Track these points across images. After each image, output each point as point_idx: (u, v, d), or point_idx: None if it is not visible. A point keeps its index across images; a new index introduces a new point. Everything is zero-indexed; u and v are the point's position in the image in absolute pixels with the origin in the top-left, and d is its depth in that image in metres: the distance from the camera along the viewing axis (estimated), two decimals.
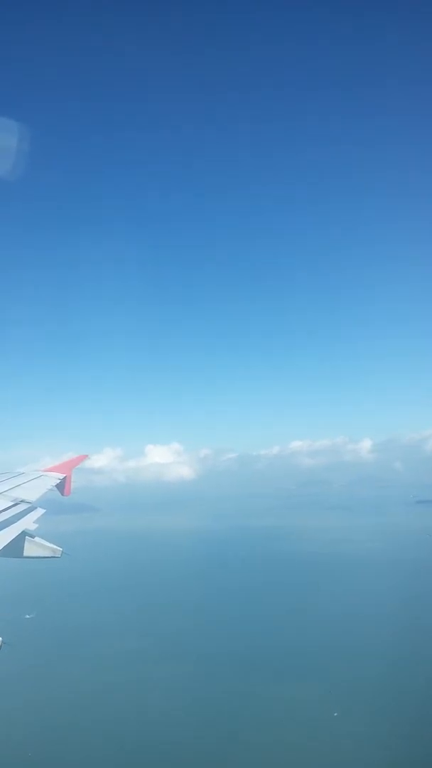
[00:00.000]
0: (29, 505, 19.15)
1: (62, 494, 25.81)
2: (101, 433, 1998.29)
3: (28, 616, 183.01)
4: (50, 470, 26.91)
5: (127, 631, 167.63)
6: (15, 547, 16.23)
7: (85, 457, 30.52)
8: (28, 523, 17.01)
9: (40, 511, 18.77)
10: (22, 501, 19.81)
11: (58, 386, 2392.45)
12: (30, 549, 16.82)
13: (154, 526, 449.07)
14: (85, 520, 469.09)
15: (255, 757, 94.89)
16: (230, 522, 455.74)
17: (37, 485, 23.92)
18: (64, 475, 26.45)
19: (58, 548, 16.99)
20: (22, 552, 16.74)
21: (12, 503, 19.06)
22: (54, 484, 25.15)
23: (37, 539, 17.00)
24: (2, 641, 12.61)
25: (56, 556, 16.93)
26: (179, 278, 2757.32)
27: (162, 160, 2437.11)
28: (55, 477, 25.86)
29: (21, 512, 17.96)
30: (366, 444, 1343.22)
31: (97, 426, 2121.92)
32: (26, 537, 16.68)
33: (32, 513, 18.27)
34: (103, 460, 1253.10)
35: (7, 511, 17.75)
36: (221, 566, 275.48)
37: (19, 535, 16.08)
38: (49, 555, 16.90)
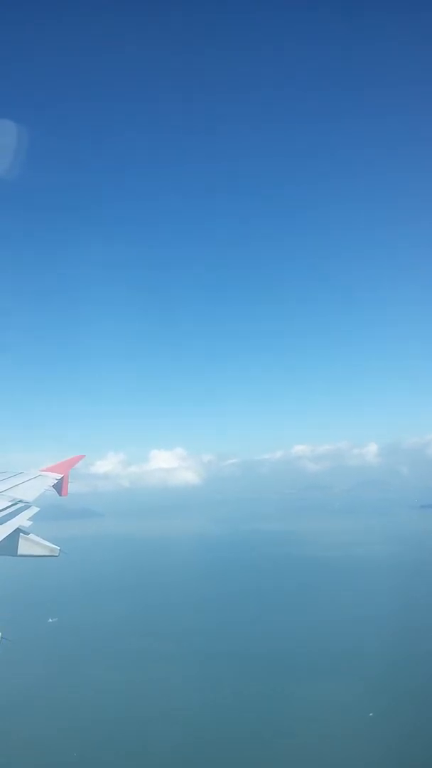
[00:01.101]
0: (24, 504, 19.09)
1: (60, 494, 25.74)
2: (104, 438, 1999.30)
3: (50, 620, 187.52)
4: (48, 470, 26.87)
5: (146, 633, 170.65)
6: (9, 545, 16.12)
7: (83, 457, 30.45)
8: (22, 520, 16.89)
9: (34, 509, 18.67)
10: (20, 501, 19.74)
11: (61, 392, 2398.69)
12: (26, 547, 16.42)
13: (159, 531, 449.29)
14: (89, 525, 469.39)
15: (300, 756, 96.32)
16: (236, 526, 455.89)
17: (35, 485, 23.84)
18: (62, 475, 26.38)
19: (56, 547, 16.48)
20: (17, 550, 16.50)
21: (10, 503, 18.96)
22: (51, 484, 25.08)
23: (32, 536, 16.69)
24: (2, 636, 12.64)
25: (54, 555, 16.34)
26: (182, 282, 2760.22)
27: (162, 161, 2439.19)
28: (53, 477, 25.79)
29: (15, 510, 17.88)
30: (372, 448, 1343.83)
31: (100, 431, 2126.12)
32: (20, 534, 16.49)
33: (26, 511, 18.19)
34: (107, 465, 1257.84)
35: (2, 511, 17.64)
36: (230, 569, 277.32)
37: (13, 532, 15.96)
38: (47, 554, 16.35)
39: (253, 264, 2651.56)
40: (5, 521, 16.67)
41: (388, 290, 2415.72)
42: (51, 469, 27.03)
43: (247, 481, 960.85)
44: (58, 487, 25.82)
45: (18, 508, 18.51)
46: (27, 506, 18.84)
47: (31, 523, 16.89)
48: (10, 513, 17.49)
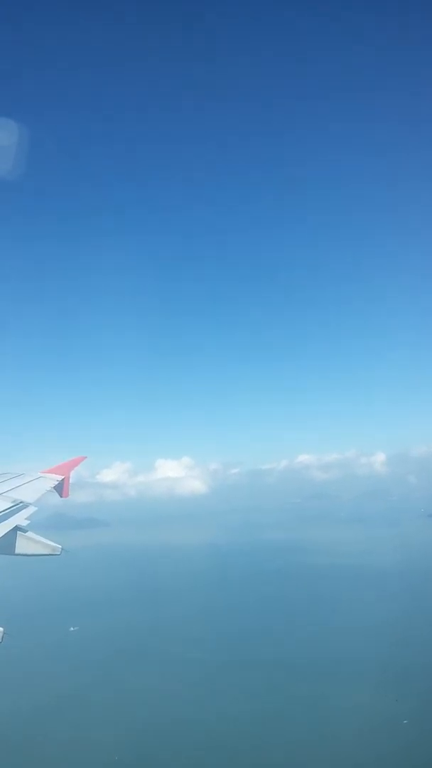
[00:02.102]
0: (24, 505, 19.04)
1: (61, 496, 25.68)
2: (110, 447, 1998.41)
3: (72, 629, 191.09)
4: (49, 472, 26.81)
5: (170, 640, 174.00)
6: (9, 543, 16.05)
7: (84, 458, 30.36)
8: (20, 519, 16.84)
9: (32, 509, 18.62)
10: (21, 502, 19.71)
11: (66, 400, 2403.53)
12: (27, 546, 16.35)
13: (166, 540, 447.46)
14: (95, 535, 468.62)
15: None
16: (244, 535, 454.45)
17: (36, 487, 23.84)
18: (63, 476, 26.34)
19: (57, 545, 16.46)
20: (17, 549, 16.40)
21: (11, 504, 18.94)
22: (53, 486, 25.04)
23: (32, 535, 16.63)
24: (3, 631, 12.58)
25: (56, 553, 16.36)
26: (186, 291, 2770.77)
27: (162, 166, 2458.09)
28: (54, 479, 25.74)
29: (13, 510, 17.84)
30: (379, 457, 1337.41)
31: (106, 440, 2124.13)
32: (20, 533, 16.43)
33: (24, 510, 18.15)
34: (113, 474, 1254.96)
35: (2, 512, 17.59)
36: (242, 578, 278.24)
37: (11, 530, 15.92)
38: (49, 552, 16.35)
39: (256, 274, 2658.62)
40: (3, 520, 16.63)
41: (397, 299, 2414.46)
42: (52, 471, 26.99)
43: (253, 490, 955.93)
44: (59, 488, 25.77)
45: (17, 508, 18.48)
46: (25, 506, 18.83)
47: (29, 522, 16.82)
48: (8, 512, 17.46)
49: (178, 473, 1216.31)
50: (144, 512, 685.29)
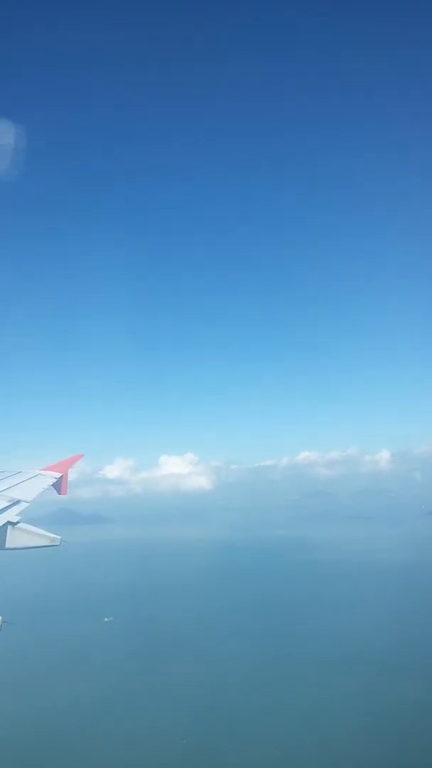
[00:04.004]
0: (16, 500, 19.21)
1: (59, 493, 25.85)
2: (110, 443, 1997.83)
3: (106, 620, 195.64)
4: (46, 469, 26.99)
5: (199, 634, 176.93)
6: (3, 537, 16.12)
7: (81, 456, 30.56)
8: (11, 516, 16.97)
9: (24, 505, 18.78)
10: (20, 501, 19.82)
11: (67, 397, 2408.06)
12: (23, 539, 16.24)
13: (171, 536, 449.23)
14: (99, 531, 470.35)
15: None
16: (248, 532, 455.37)
17: (34, 485, 23.95)
18: (61, 474, 26.47)
19: (56, 536, 16.39)
20: (12, 543, 16.32)
21: (9, 503, 19.05)
22: (51, 484, 25.15)
23: (28, 527, 16.50)
24: (2, 620, 12.75)
25: (55, 544, 16.32)
26: (188, 289, 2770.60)
27: (161, 167, 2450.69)
28: (52, 476, 25.88)
29: (7, 507, 18.01)
30: (384, 455, 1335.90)
31: (105, 437, 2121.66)
32: (15, 526, 16.41)
33: (15, 506, 18.33)
34: (116, 470, 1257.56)
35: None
36: (251, 574, 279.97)
37: (2, 526, 16.04)
38: (47, 544, 16.32)
39: (259, 271, 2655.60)
40: None
41: (405, 294, 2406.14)
42: (50, 468, 27.16)
43: (256, 487, 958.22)
44: (58, 486, 25.90)
45: (11, 505, 18.63)
46: (16, 501, 19.00)
47: (20, 518, 16.92)
48: (1, 509, 17.64)
49: (182, 469, 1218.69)
50: (148, 509, 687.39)
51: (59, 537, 16.39)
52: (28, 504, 19.14)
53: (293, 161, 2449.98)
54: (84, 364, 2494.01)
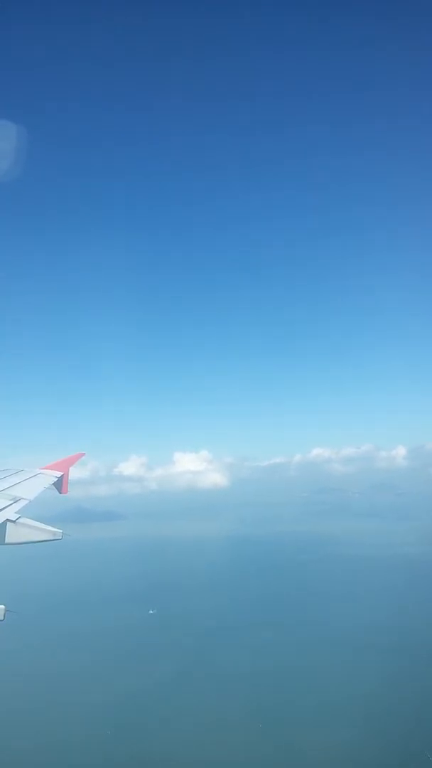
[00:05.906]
0: (17, 498, 19.92)
1: (60, 492, 26.43)
2: (124, 441, 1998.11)
3: (151, 612, 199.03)
4: (48, 468, 27.61)
5: (235, 627, 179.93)
6: (4, 534, 16.87)
7: (83, 455, 31.15)
8: (10, 513, 17.66)
9: (23, 502, 19.51)
10: (21, 499, 20.45)
11: (78, 395, 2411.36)
12: (24, 534, 16.67)
13: (187, 533, 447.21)
14: (112, 528, 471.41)
15: None
16: (263, 528, 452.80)
17: (35, 483, 24.48)
18: (62, 473, 27.02)
19: (58, 530, 16.72)
20: (14, 538, 16.69)
21: (11, 502, 19.66)
22: (52, 482, 25.66)
23: (29, 521, 16.94)
24: (6, 609, 13.56)
25: (57, 538, 16.65)
26: (199, 287, 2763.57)
27: (162, 166, 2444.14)
28: (53, 475, 26.45)
29: (5, 506, 18.72)
30: (401, 451, 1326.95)
31: (120, 434, 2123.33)
32: (16, 522, 16.82)
33: (15, 504, 19.05)
34: (131, 467, 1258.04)
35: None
36: (272, 569, 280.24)
37: (2, 522, 16.77)
38: (50, 538, 16.67)
39: (269, 266, 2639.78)
40: None
41: (419, 290, 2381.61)
42: (51, 467, 27.79)
43: (270, 483, 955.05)
44: (59, 485, 26.42)
45: (11, 503, 19.39)
46: (16, 499, 19.73)
47: (19, 516, 17.55)
48: (2, 507, 18.44)
49: (196, 467, 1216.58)
50: (163, 505, 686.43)
51: (60, 530, 16.72)
52: (28, 502, 19.84)
53: (293, 159, 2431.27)
54: (100, 362, 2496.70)
